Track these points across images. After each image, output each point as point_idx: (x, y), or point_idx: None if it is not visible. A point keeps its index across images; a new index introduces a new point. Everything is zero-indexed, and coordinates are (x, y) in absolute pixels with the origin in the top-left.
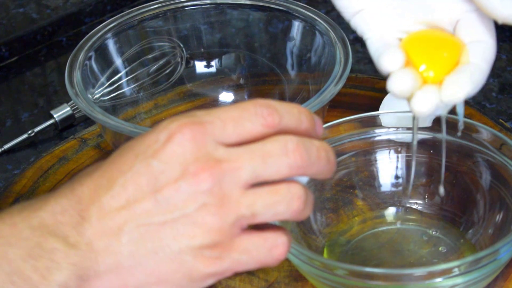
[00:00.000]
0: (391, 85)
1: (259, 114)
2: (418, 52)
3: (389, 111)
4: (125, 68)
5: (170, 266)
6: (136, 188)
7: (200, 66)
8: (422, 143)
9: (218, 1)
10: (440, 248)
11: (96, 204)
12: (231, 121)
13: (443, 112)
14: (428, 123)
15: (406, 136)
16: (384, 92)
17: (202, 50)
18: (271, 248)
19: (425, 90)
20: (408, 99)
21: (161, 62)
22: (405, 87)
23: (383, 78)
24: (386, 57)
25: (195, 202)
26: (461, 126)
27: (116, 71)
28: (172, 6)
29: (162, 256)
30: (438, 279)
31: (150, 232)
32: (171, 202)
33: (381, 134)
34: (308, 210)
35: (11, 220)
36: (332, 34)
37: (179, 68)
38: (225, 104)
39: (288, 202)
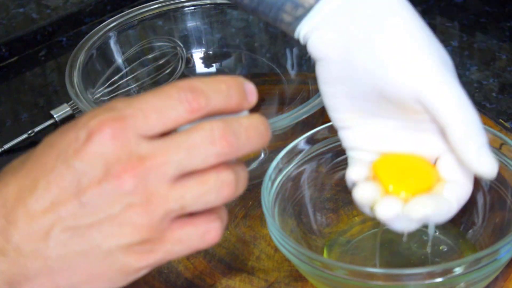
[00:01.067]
0: (354, 193)
1: (184, 99)
2: (384, 168)
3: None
4: (125, 68)
5: (101, 265)
6: (60, 190)
7: (200, 66)
8: None
9: (218, 1)
10: (440, 248)
11: (21, 207)
12: (154, 111)
13: (411, 227)
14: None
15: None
16: None
17: (202, 50)
18: (203, 235)
19: (387, 198)
20: (371, 208)
21: (161, 62)
22: (366, 196)
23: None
24: (351, 169)
25: (120, 203)
26: (429, 247)
27: (116, 71)
28: (172, 6)
29: (92, 257)
30: (438, 279)
31: (77, 235)
32: (95, 204)
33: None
34: (240, 190)
35: None
36: None
37: (179, 68)
38: None
39: (218, 191)
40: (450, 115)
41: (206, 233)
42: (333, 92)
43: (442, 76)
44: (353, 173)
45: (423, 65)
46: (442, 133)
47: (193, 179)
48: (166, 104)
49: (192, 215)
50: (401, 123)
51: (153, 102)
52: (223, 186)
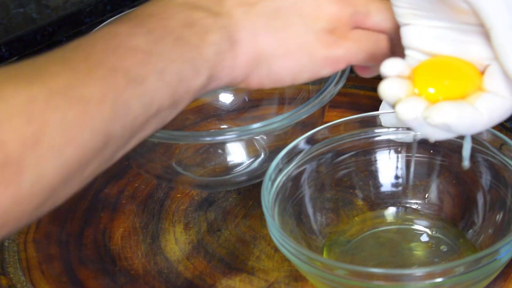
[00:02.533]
0: (380, 87)
1: None
2: (421, 68)
3: (389, 111)
4: None
5: (296, 41)
6: None
7: None
8: (422, 143)
9: None
10: (441, 247)
11: None
12: None
13: (440, 135)
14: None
15: (406, 136)
16: None
17: None
18: (376, 41)
19: (411, 98)
20: (393, 107)
21: None
22: (389, 92)
23: (383, 79)
24: (388, 62)
25: None
26: (466, 163)
27: None
28: None
29: (291, 32)
30: (438, 279)
31: (281, 11)
32: None
33: (381, 134)
34: None
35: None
36: None
37: None
38: (225, 105)
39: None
40: (495, 16)
41: (379, 40)
42: None
43: None
44: (388, 65)
45: None
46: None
47: None
48: None
49: None
50: (454, 25)
51: None
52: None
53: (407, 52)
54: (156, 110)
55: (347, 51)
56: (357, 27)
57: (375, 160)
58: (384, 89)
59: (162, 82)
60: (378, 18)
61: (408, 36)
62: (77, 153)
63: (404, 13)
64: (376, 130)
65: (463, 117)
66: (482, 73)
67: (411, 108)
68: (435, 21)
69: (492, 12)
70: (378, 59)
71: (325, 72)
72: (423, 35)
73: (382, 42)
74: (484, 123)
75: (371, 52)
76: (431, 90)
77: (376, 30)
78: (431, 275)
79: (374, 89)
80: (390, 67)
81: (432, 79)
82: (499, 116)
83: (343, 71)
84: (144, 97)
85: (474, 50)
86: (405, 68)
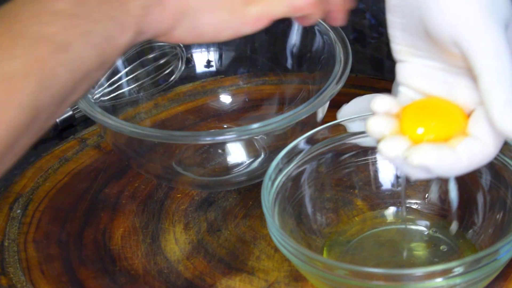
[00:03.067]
0: (367, 123)
1: None
2: (408, 108)
3: (354, 116)
4: (125, 68)
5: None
6: None
7: (200, 66)
8: None
9: None
10: (441, 247)
11: None
12: None
13: (420, 175)
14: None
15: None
16: (384, 92)
17: (202, 50)
18: None
19: (395, 137)
20: (379, 141)
21: (161, 62)
22: (376, 129)
23: (383, 78)
24: (378, 99)
25: None
26: (453, 204)
27: (116, 71)
28: None
29: None
30: (438, 279)
31: None
32: None
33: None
34: None
35: None
36: (332, 34)
37: (179, 68)
38: (225, 105)
39: None
40: (482, 62)
41: None
42: (393, 22)
43: (483, 21)
44: (377, 103)
45: (466, 7)
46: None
47: None
48: None
49: None
50: (447, 67)
51: None
52: None
53: (400, 88)
54: (84, 73)
55: (266, 7)
56: None
57: (375, 160)
58: (371, 126)
59: (88, 45)
60: None
61: (402, 73)
62: (6, 132)
63: (400, 50)
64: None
65: (442, 160)
66: (469, 116)
67: (394, 146)
68: (429, 61)
69: (480, 58)
70: (302, 10)
71: (247, 29)
72: (416, 73)
73: None
74: (463, 167)
75: (292, 4)
76: (415, 131)
77: None
78: (431, 275)
79: (374, 89)
80: (379, 104)
81: (418, 120)
82: (478, 161)
83: (343, 71)
84: (71, 63)
85: (463, 93)
86: (394, 105)
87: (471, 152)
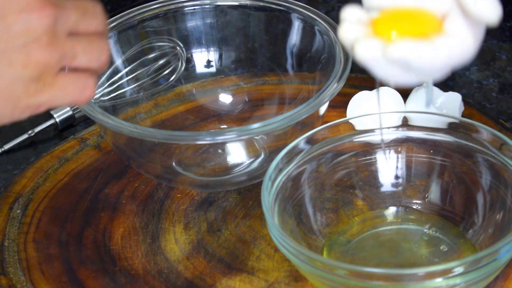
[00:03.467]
0: (339, 30)
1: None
2: (381, 14)
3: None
4: (125, 68)
5: (3, 92)
6: None
7: (200, 66)
8: (422, 143)
9: (218, 2)
10: (441, 247)
11: None
12: None
13: (400, 78)
14: (397, 122)
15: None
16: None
17: (202, 50)
18: (83, 88)
19: (370, 39)
20: (352, 49)
21: (161, 62)
22: (348, 35)
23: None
24: (348, 8)
25: (33, 34)
26: (427, 106)
27: (116, 71)
28: (172, 6)
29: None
30: (438, 279)
31: None
32: (12, 30)
33: (381, 134)
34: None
35: None
36: (332, 34)
37: (179, 68)
38: (225, 105)
39: (100, 51)
40: None
41: (85, 88)
42: None
43: None
44: (347, 12)
45: None
46: None
47: (83, 37)
48: None
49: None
50: None
51: None
52: (103, 51)
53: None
54: None
55: (50, 98)
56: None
57: (375, 160)
58: (343, 32)
59: None
60: (85, 60)
61: None
62: None
63: None
64: (376, 130)
65: (422, 52)
66: (441, 21)
67: (370, 47)
68: None
69: None
70: (84, 101)
71: (24, 115)
72: None
73: (89, 85)
74: (443, 61)
75: (76, 97)
76: (390, 31)
77: (84, 70)
78: (431, 275)
79: (374, 89)
80: (350, 12)
81: (392, 22)
82: (457, 54)
83: (343, 71)
84: None
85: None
86: (364, 15)
87: (449, 45)
